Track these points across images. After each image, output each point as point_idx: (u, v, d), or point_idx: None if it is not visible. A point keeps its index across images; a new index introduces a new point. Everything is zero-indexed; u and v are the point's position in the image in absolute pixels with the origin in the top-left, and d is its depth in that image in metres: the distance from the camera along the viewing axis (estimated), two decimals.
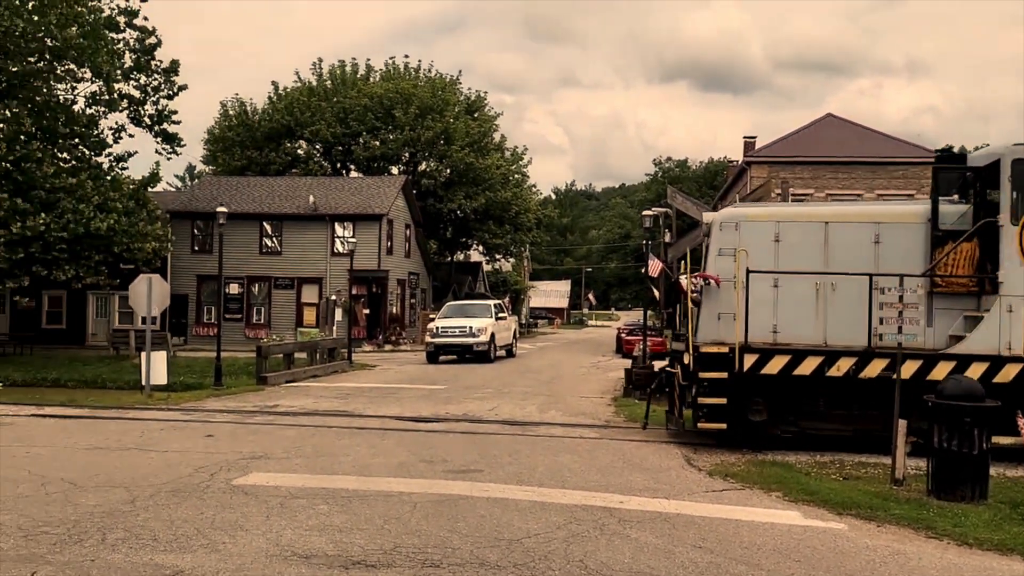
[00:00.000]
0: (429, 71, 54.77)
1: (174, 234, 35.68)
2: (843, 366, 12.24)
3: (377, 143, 50.90)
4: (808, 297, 12.70)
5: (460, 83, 55.01)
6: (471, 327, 30.84)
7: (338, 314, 35.46)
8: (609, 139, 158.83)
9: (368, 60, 70.26)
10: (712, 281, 12.72)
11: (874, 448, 12.03)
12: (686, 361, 12.82)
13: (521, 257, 68.45)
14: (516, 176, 55.16)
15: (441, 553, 7.01)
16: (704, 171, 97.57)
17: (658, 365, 14.06)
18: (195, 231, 41.55)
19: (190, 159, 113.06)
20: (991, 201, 12.37)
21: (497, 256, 58.90)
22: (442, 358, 30.84)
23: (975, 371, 11.78)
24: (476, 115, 54.00)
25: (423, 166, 51.63)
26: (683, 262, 13.92)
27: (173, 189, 72.21)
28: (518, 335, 38.76)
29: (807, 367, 12.33)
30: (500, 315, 33.93)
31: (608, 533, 7.73)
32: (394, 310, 43.07)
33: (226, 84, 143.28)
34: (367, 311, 40.84)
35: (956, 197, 13.07)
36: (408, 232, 45.68)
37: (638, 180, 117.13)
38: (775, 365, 12.38)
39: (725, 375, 12.44)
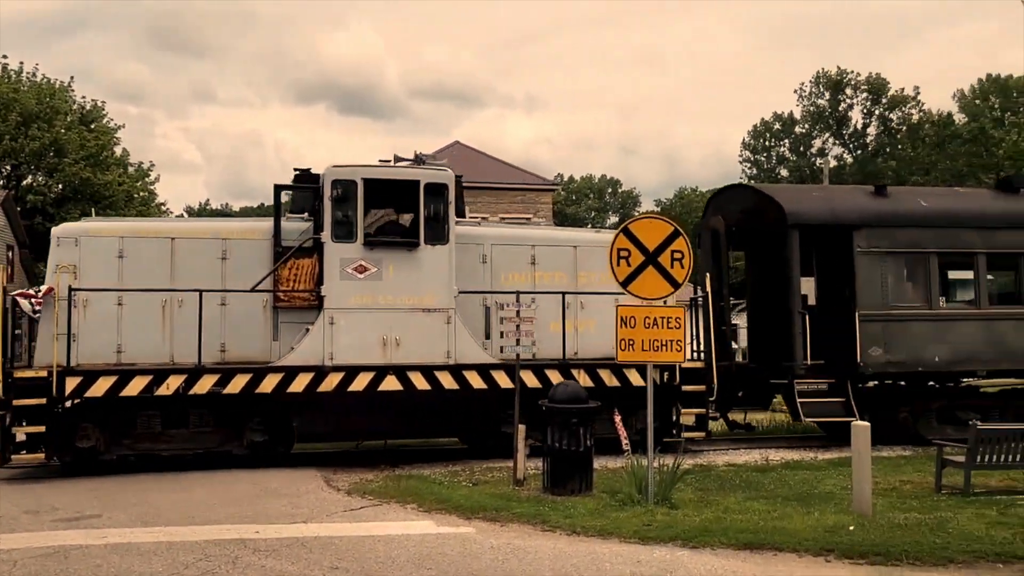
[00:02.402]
0: (33, 75, 49.11)
1: None
2: (173, 384, 11.98)
3: None
4: (155, 315, 12.44)
5: (72, 90, 49.99)
6: None
7: None
8: (247, 157, 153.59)
9: None
10: (41, 300, 12.08)
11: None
12: None
13: None
14: (143, 194, 51.34)
15: None
16: None
17: None
18: None
19: None
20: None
21: None
22: None
23: (301, 382, 12.34)
24: (93, 126, 49.40)
25: (29, 180, 46.09)
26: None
27: None
28: None
29: (135, 387, 11.91)
30: None
31: (241, 566, 7.47)
32: None
33: None
34: None
35: (306, 215, 13.57)
36: (11, 255, 40.43)
37: None
38: (101, 387, 11.81)
39: (43, 401, 11.68)
